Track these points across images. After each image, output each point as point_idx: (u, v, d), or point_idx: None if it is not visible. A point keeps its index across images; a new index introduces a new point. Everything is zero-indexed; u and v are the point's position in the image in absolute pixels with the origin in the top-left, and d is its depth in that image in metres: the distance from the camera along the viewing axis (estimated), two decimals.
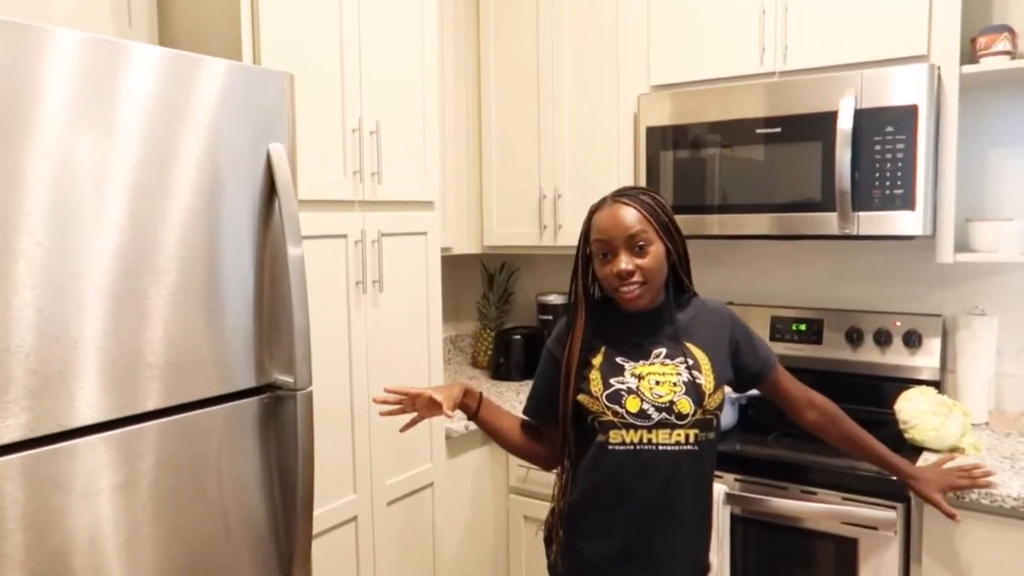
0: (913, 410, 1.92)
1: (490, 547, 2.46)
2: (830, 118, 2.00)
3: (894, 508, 1.75)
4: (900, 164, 1.94)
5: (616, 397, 1.44)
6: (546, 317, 2.84)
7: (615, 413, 1.43)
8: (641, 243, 1.42)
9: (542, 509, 2.14)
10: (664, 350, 1.47)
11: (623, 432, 1.43)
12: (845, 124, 1.96)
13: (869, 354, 2.29)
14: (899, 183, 1.94)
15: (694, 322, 1.52)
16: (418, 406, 1.54)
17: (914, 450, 1.89)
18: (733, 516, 1.94)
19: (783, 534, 1.90)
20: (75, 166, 1.20)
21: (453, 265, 3.14)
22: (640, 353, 1.48)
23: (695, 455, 1.44)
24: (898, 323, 2.26)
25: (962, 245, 2.11)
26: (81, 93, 1.20)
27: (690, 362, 1.45)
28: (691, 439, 1.43)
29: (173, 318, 1.35)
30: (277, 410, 1.54)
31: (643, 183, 2.35)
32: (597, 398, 1.45)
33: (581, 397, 1.47)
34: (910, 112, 1.92)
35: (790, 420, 1.65)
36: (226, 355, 1.44)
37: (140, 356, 1.30)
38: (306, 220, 1.72)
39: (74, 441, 1.22)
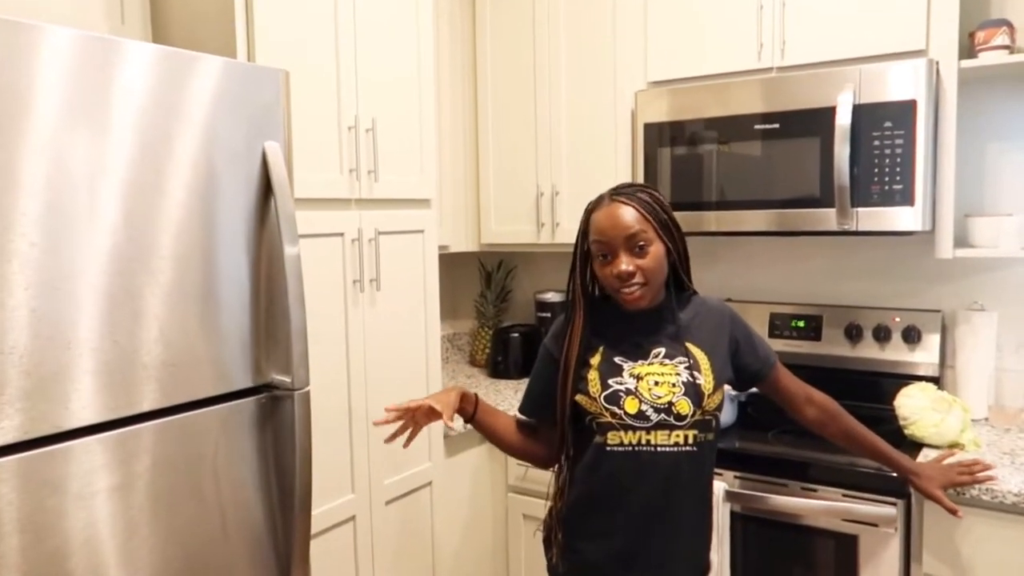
0: (913, 406, 1.92)
1: (489, 546, 2.46)
2: (828, 114, 2.00)
3: (894, 504, 1.75)
4: (899, 159, 1.93)
5: (614, 398, 1.42)
6: (544, 315, 2.84)
7: (613, 414, 1.42)
8: (641, 243, 1.40)
9: (541, 507, 2.13)
10: (663, 350, 1.46)
11: (621, 433, 1.42)
12: (843, 119, 1.95)
13: (868, 350, 2.29)
14: (898, 178, 1.93)
15: (694, 321, 1.50)
16: (418, 418, 1.51)
17: (914, 446, 1.89)
18: (733, 513, 1.93)
19: (783, 531, 1.89)
20: (69, 165, 1.19)
21: (450, 263, 3.12)
22: (639, 353, 1.46)
23: (694, 456, 1.43)
24: (897, 319, 2.26)
25: (961, 240, 2.10)
26: (74, 91, 1.19)
27: (690, 362, 1.44)
28: (690, 440, 1.42)
29: (169, 318, 1.34)
30: (274, 410, 1.53)
31: (641, 180, 2.34)
32: (595, 399, 1.44)
33: (579, 398, 1.46)
34: (908, 107, 1.91)
35: (790, 417, 1.64)
36: (222, 355, 1.43)
37: (136, 357, 1.29)
38: (302, 219, 1.71)
39: (70, 443, 1.21)
